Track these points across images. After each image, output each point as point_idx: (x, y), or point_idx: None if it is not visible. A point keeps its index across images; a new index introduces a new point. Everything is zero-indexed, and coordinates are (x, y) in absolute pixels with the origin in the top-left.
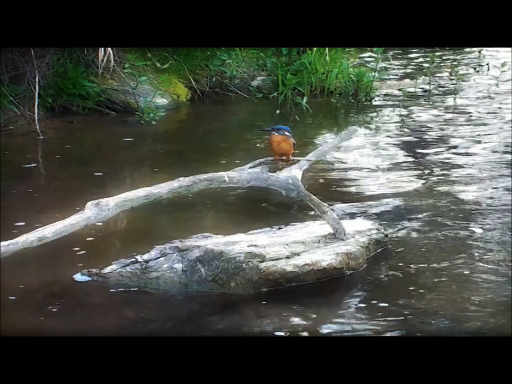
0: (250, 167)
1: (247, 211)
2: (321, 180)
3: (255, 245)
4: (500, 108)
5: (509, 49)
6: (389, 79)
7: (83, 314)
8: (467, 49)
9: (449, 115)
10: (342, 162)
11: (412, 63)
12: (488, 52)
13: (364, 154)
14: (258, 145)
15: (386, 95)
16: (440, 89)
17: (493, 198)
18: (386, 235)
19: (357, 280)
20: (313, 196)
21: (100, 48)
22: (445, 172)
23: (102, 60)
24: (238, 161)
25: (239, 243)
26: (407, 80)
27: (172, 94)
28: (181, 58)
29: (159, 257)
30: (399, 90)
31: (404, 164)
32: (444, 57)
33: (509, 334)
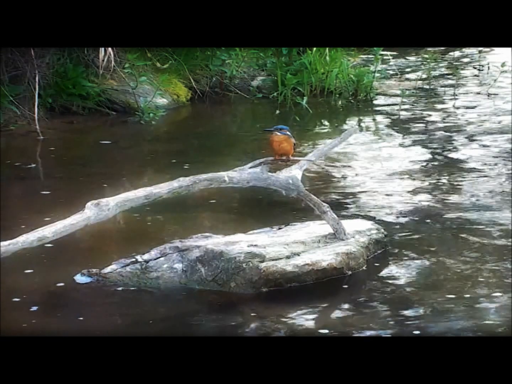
0: (250, 167)
1: (247, 211)
2: (320, 180)
3: (255, 245)
4: (499, 107)
5: (509, 49)
6: (389, 77)
7: (84, 314)
8: (467, 49)
9: (449, 115)
10: (341, 162)
11: (412, 63)
12: (488, 53)
13: (363, 154)
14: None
15: (386, 95)
16: (440, 88)
17: (494, 198)
18: (386, 235)
19: (357, 280)
20: (313, 196)
21: (100, 48)
22: (445, 171)
23: (102, 60)
24: (238, 161)
25: (239, 243)
26: (407, 80)
27: (172, 94)
28: (181, 58)
29: (159, 257)
30: (399, 90)
31: (404, 164)
32: (444, 57)
33: (509, 334)
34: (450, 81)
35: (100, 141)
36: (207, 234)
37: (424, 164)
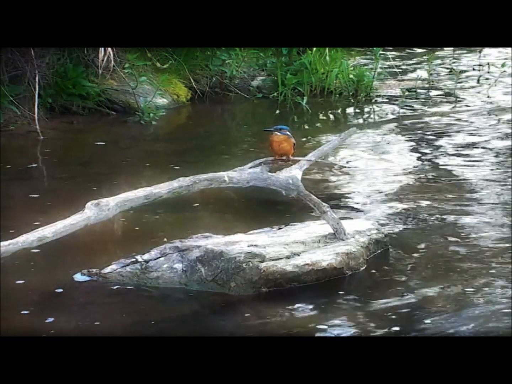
0: (250, 167)
1: (247, 211)
2: (320, 181)
3: (255, 245)
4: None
5: (509, 49)
6: (389, 78)
7: (83, 314)
8: (467, 49)
9: (448, 115)
10: (340, 162)
11: (412, 63)
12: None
13: (363, 154)
14: (257, 143)
15: (386, 95)
16: (440, 88)
17: (493, 198)
18: (386, 235)
19: (357, 280)
20: (313, 196)
21: (100, 48)
22: (445, 171)
23: (102, 60)
24: (238, 161)
25: (239, 243)
26: (407, 80)
27: (172, 94)
28: (181, 58)
29: (159, 257)
30: (399, 90)
31: (404, 164)
32: (444, 57)
33: (509, 334)
34: (450, 81)
35: (97, 141)
36: (207, 234)
37: (424, 163)
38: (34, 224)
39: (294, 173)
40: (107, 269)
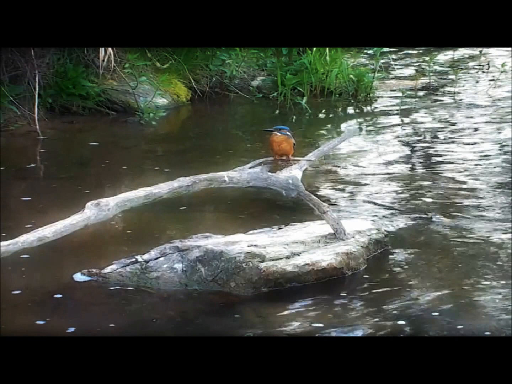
0: (250, 167)
1: (247, 211)
2: (320, 181)
3: (255, 245)
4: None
5: (509, 49)
6: (389, 78)
7: (83, 314)
8: (467, 49)
9: (448, 114)
10: (340, 162)
11: (412, 63)
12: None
13: (363, 154)
14: (257, 144)
15: (385, 95)
16: (440, 88)
17: (493, 197)
18: (386, 235)
19: (357, 280)
20: (313, 196)
21: (100, 48)
22: (445, 170)
23: (102, 60)
24: (238, 161)
25: (239, 243)
26: (407, 80)
27: (172, 94)
28: (181, 58)
29: (159, 257)
30: (399, 90)
31: (404, 164)
32: (444, 57)
33: (509, 334)
34: (450, 81)
35: (97, 141)
36: (207, 234)
37: (424, 163)
38: (34, 223)
39: (294, 173)
40: (107, 269)
